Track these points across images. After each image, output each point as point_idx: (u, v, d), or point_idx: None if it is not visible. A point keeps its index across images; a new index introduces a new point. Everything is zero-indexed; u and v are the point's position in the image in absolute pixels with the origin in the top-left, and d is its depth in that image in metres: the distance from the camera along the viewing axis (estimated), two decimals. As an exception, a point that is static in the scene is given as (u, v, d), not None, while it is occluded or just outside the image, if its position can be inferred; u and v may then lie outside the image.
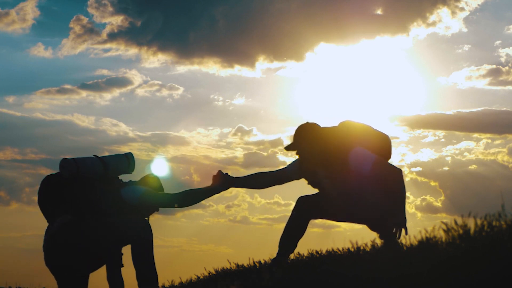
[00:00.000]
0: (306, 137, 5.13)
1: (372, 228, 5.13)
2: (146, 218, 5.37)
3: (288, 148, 5.22)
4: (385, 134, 5.24)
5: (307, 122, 5.22)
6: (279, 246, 5.20)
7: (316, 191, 5.26)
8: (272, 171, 5.39)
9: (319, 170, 5.13)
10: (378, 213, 4.99)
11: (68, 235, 5.15)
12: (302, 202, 5.23)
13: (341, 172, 5.03)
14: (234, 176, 5.33)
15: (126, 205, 5.24)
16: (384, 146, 5.18)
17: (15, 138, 27.88)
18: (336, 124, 5.25)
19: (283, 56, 25.85)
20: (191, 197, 5.27)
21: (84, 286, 5.32)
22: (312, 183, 5.24)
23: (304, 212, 5.21)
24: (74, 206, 5.28)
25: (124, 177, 5.45)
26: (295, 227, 5.20)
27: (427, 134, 26.08)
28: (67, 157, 5.40)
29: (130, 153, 5.48)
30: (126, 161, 5.43)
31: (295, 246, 5.17)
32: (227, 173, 5.29)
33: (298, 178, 5.32)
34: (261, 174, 5.37)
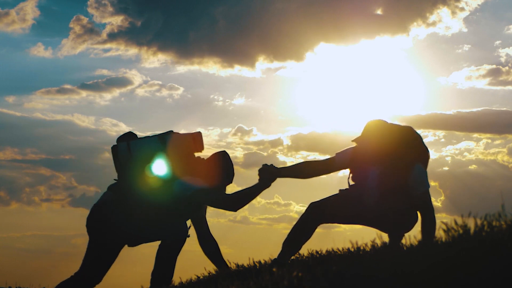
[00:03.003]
0: (376, 133, 5.06)
1: (384, 231, 5.12)
2: (189, 219, 5.34)
3: (356, 140, 5.15)
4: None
5: (380, 119, 5.15)
6: (283, 247, 5.17)
7: (336, 188, 5.23)
8: (320, 160, 5.31)
9: (374, 167, 5.08)
10: (401, 227, 5.03)
11: (103, 214, 5.24)
12: (314, 208, 5.15)
13: (395, 177, 5.01)
14: (279, 167, 5.27)
15: (173, 196, 5.19)
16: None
17: (15, 138, 27.91)
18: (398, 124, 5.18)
19: (283, 56, 25.89)
20: (244, 198, 5.19)
21: (109, 259, 5.33)
22: (356, 177, 5.16)
23: (314, 219, 5.14)
24: (120, 185, 5.29)
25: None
26: (302, 232, 5.14)
27: (427, 134, 26.09)
28: (121, 139, 5.37)
29: (199, 132, 5.41)
30: (191, 140, 5.36)
31: (299, 249, 5.15)
32: (272, 164, 5.23)
33: (345, 168, 5.23)
34: (307, 163, 5.30)
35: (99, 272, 5.31)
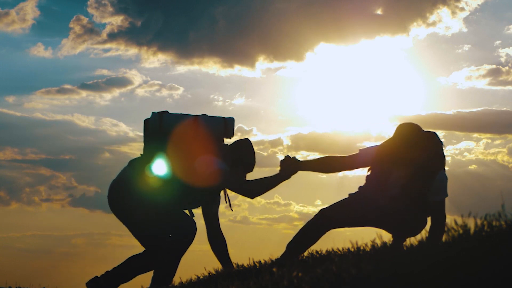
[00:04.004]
0: (404, 137, 5.01)
1: (392, 232, 5.11)
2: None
3: (387, 141, 5.11)
4: None
5: (411, 123, 5.09)
6: (287, 249, 5.14)
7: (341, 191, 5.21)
8: (343, 156, 5.26)
9: (399, 170, 5.04)
10: (410, 231, 5.03)
11: (119, 194, 5.29)
12: (323, 215, 5.12)
13: (419, 184, 4.98)
14: (302, 160, 5.26)
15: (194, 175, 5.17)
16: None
17: (15, 138, 27.92)
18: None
19: (283, 56, 25.89)
20: (263, 186, 5.18)
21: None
22: (375, 176, 5.12)
23: (323, 225, 5.10)
24: (143, 159, 5.28)
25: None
26: (309, 237, 5.10)
27: (427, 134, 25.96)
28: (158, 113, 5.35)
29: (232, 118, 5.39)
30: (223, 125, 5.35)
31: (303, 252, 5.11)
32: (294, 157, 5.21)
33: (368, 166, 5.18)
34: (330, 158, 5.25)
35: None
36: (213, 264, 5.77)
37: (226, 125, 5.34)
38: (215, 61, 25.87)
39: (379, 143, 5.20)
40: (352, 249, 4.31)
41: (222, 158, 5.23)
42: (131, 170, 5.29)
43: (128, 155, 27.65)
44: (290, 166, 5.18)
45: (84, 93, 27.96)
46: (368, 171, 5.18)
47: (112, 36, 26.13)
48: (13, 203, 27.06)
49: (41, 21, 28.54)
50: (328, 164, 5.25)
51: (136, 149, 27.97)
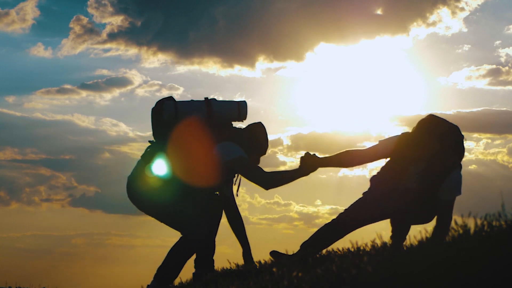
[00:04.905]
0: (425, 129, 5.02)
1: (395, 226, 5.11)
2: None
3: (408, 133, 5.12)
4: None
5: (432, 114, 5.10)
6: (301, 248, 5.11)
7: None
8: (362, 149, 5.26)
9: (415, 163, 5.04)
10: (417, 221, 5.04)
11: (129, 190, 5.30)
12: (341, 220, 5.12)
13: (434, 176, 4.97)
14: (321, 156, 5.24)
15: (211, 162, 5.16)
16: None
17: (15, 138, 27.91)
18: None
19: (283, 56, 25.87)
20: (279, 179, 5.16)
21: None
22: (393, 167, 5.12)
23: (344, 229, 5.09)
24: (157, 149, 5.27)
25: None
26: (328, 239, 5.08)
27: (427, 134, 25.98)
28: (165, 100, 5.33)
29: (244, 101, 5.40)
30: (236, 108, 5.34)
31: (316, 253, 5.03)
32: (314, 154, 5.20)
33: (388, 157, 5.18)
34: (349, 152, 5.24)
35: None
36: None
37: (239, 108, 5.35)
38: (215, 61, 25.87)
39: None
40: (352, 249, 4.31)
41: (238, 143, 5.23)
42: (143, 165, 5.28)
43: (128, 155, 27.61)
44: (310, 163, 5.18)
45: (84, 93, 27.96)
46: (386, 162, 5.19)
47: (112, 36, 26.14)
48: (13, 203, 27.07)
49: (41, 21, 28.55)
50: (348, 159, 5.24)
51: (136, 149, 27.92)
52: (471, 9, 25.23)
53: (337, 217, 5.15)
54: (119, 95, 28.28)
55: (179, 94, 27.71)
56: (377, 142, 5.22)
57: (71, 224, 26.71)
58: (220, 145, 5.17)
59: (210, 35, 24.88)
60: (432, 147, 4.98)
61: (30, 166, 28.09)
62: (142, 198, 5.28)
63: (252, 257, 5.58)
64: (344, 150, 5.26)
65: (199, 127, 5.24)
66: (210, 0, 24.70)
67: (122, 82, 27.99)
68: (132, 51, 26.86)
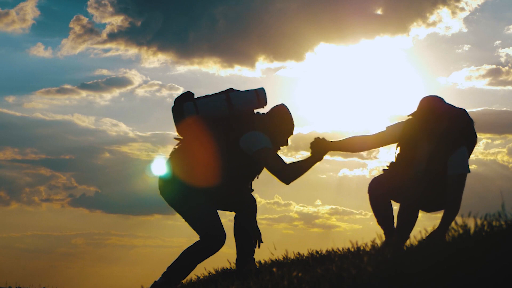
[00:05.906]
0: (429, 109, 5.03)
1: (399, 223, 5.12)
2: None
3: (411, 115, 5.14)
4: None
5: (435, 96, 5.11)
6: (398, 232, 5.07)
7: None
8: (369, 134, 5.31)
9: (422, 144, 5.07)
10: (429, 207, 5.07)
11: (160, 190, 5.33)
12: (406, 200, 5.12)
13: (441, 155, 4.99)
14: (330, 140, 5.27)
15: (238, 155, 5.17)
16: None
17: (15, 138, 27.88)
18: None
19: (283, 56, 25.85)
20: (298, 169, 5.15)
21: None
22: (403, 152, 5.15)
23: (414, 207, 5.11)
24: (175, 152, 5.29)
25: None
26: (410, 215, 5.08)
27: (427, 134, 25.98)
28: (184, 98, 5.38)
29: (262, 88, 5.44)
30: (255, 96, 5.37)
31: (407, 236, 5.04)
32: (323, 138, 5.26)
33: (395, 142, 5.23)
34: (358, 138, 5.31)
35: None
36: (213, 264, 5.77)
37: (258, 96, 5.38)
38: (215, 61, 25.86)
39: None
40: (352, 249, 4.32)
41: (262, 130, 5.24)
42: (171, 165, 5.29)
43: (128, 155, 27.61)
44: (320, 147, 5.22)
45: (84, 93, 27.94)
46: (396, 147, 5.23)
47: (112, 36, 26.13)
48: (13, 203, 27.06)
49: (41, 21, 28.53)
50: (357, 143, 5.31)
51: (136, 149, 27.90)
52: (471, 9, 25.24)
53: (400, 205, 5.14)
54: (119, 95, 28.28)
55: (179, 94, 27.71)
56: (384, 129, 5.26)
57: (71, 224, 26.72)
58: (244, 137, 5.18)
59: (210, 35, 24.89)
60: (436, 126, 5.02)
61: (30, 166, 28.08)
62: (173, 197, 5.28)
63: (257, 226, 5.55)
64: (353, 136, 5.32)
65: (218, 125, 5.26)
66: (210, 0, 24.71)
67: (122, 82, 27.99)
68: (132, 51, 26.86)
